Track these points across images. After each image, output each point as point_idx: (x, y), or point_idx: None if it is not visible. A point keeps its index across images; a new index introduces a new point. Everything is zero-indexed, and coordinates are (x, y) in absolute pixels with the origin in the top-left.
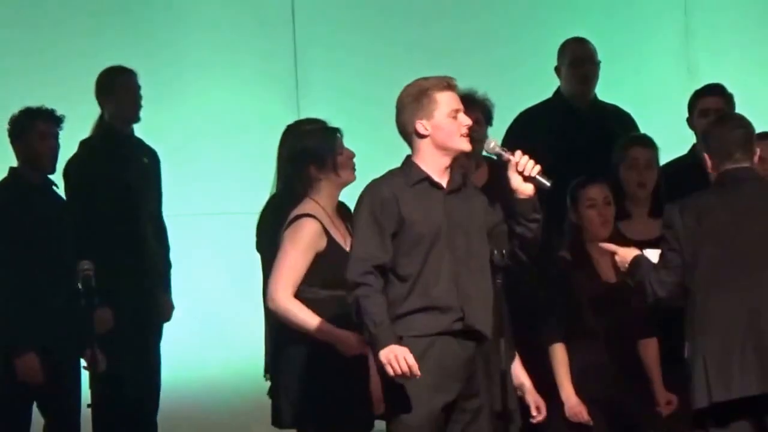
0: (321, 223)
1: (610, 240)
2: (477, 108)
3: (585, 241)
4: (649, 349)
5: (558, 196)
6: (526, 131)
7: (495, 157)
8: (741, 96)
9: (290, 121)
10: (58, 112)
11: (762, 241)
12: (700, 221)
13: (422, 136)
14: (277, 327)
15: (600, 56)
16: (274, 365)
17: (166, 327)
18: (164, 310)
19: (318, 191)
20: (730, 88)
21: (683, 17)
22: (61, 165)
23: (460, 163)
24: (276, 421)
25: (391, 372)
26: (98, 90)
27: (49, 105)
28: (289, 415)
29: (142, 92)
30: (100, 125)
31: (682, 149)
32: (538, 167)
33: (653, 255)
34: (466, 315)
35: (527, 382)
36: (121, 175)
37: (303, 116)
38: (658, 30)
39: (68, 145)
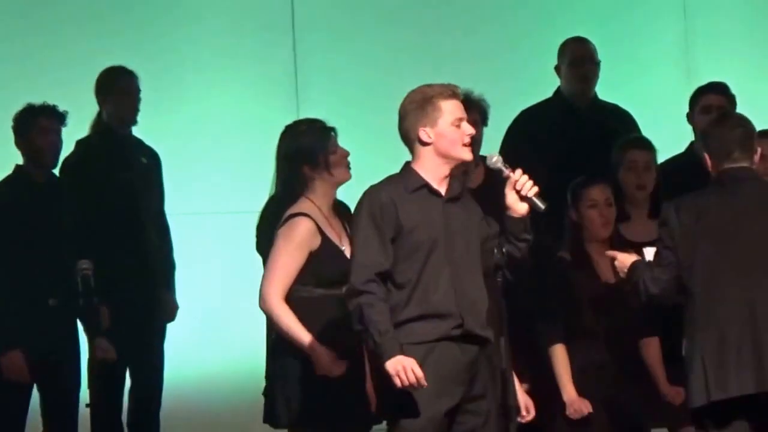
0: (315, 222)
1: (610, 241)
2: (474, 109)
3: (585, 241)
4: (651, 348)
5: (558, 196)
6: (526, 130)
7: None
8: (741, 97)
9: (289, 121)
10: (61, 109)
11: (759, 241)
12: (698, 220)
13: (425, 144)
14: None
15: (600, 57)
16: (269, 365)
17: (170, 325)
18: (168, 309)
19: (313, 190)
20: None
21: (683, 19)
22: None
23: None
24: (270, 419)
25: (398, 383)
26: (98, 89)
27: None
28: (284, 415)
29: (144, 95)
30: (98, 124)
31: (680, 149)
32: (535, 188)
33: (651, 253)
34: (465, 321)
35: (516, 382)
36: (118, 174)
37: (302, 114)
38: (657, 32)
39: (69, 145)
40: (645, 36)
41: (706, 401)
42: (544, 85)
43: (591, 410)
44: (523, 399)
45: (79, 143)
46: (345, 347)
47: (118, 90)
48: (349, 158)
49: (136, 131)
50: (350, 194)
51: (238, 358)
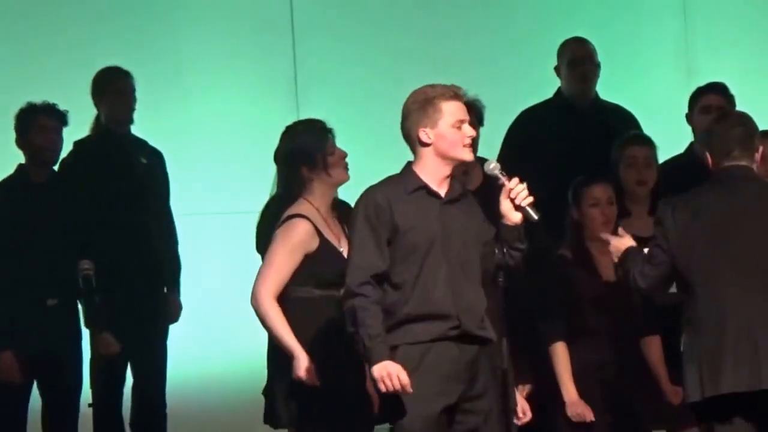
0: (313, 224)
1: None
2: (469, 111)
3: (586, 239)
4: (653, 347)
5: (558, 195)
6: (527, 131)
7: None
8: (740, 97)
9: (289, 121)
10: (60, 107)
11: (756, 240)
12: (694, 219)
13: (425, 144)
14: None
15: (600, 58)
16: (270, 365)
17: (172, 326)
18: (171, 310)
19: (311, 191)
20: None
21: (683, 19)
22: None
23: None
24: (270, 419)
25: (383, 388)
26: (93, 90)
27: None
28: (284, 415)
29: (143, 95)
30: (97, 125)
31: (681, 149)
32: (530, 198)
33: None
34: (462, 322)
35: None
36: (114, 174)
37: (302, 115)
38: (657, 32)
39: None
40: (645, 36)
41: (699, 397)
42: (544, 86)
43: (593, 418)
44: (520, 402)
45: (77, 144)
46: (344, 347)
47: (112, 90)
48: (348, 159)
49: (138, 132)
50: (351, 195)
51: (239, 358)
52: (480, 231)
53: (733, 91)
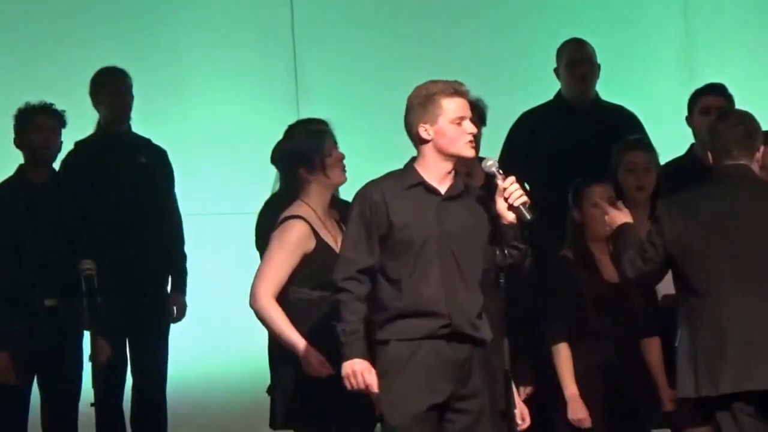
0: (310, 225)
1: (610, 240)
2: (472, 111)
3: (587, 240)
4: (652, 348)
5: (558, 196)
6: (527, 132)
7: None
8: (741, 98)
9: (290, 122)
10: (58, 107)
11: (754, 239)
12: (693, 217)
13: (425, 141)
14: None
15: (601, 58)
16: (271, 365)
17: (173, 325)
18: (176, 308)
19: (308, 193)
20: (730, 89)
21: (683, 19)
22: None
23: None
24: (272, 419)
25: (347, 386)
26: (90, 91)
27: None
28: (286, 415)
29: (145, 97)
30: (98, 126)
31: (682, 150)
32: (523, 198)
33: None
34: (453, 321)
35: (514, 389)
36: (113, 174)
37: (303, 117)
38: (658, 31)
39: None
40: (646, 38)
41: (693, 395)
42: (545, 82)
43: (590, 425)
44: (519, 407)
45: (78, 144)
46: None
47: (108, 90)
48: (348, 160)
49: (140, 132)
50: (351, 196)
51: (240, 358)
52: (481, 229)
53: (733, 92)
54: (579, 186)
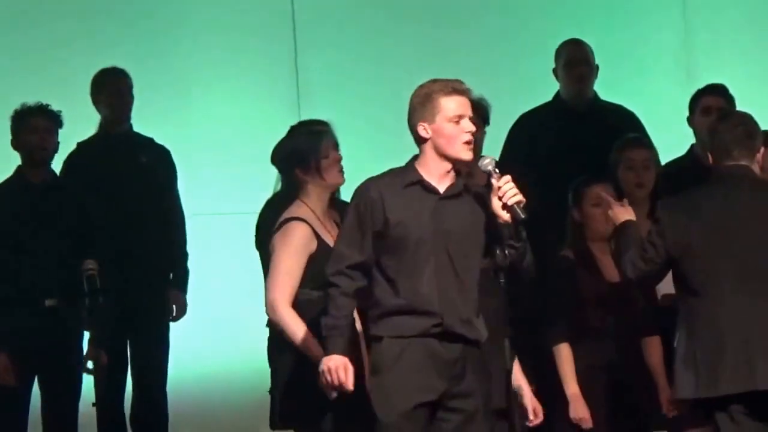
0: (310, 226)
1: (610, 240)
2: (474, 110)
3: (588, 239)
4: (653, 348)
5: (558, 196)
6: (527, 132)
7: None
8: (741, 98)
9: (291, 122)
10: (54, 108)
11: (753, 240)
12: (692, 218)
13: (424, 140)
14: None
15: (599, 58)
16: (271, 365)
17: (174, 325)
18: (175, 306)
19: (307, 193)
20: (729, 90)
21: (682, 18)
22: (58, 165)
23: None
24: (272, 419)
25: (324, 381)
26: (91, 92)
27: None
28: (282, 415)
29: (146, 99)
30: (99, 126)
31: (682, 150)
32: (518, 197)
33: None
34: (445, 320)
35: (525, 385)
36: (114, 174)
37: (304, 118)
38: (657, 31)
39: (70, 146)
40: (645, 38)
41: (692, 396)
42: (545, 81)
43: (591, 425)
44: (532, 403)
45: (79, 144)
46: None
47: (107, 90)
48: (349, 160)
49: (143, 132)
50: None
51: (241, 357)
52: (479, 228)
53: (733, 92)
54: (579, 186)
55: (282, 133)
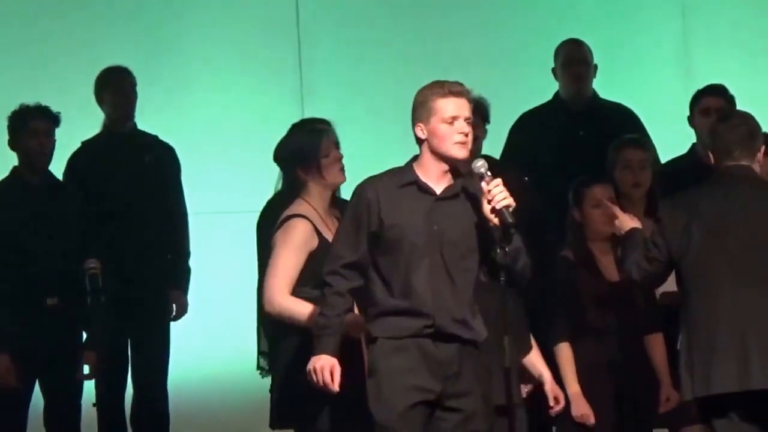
0: (312, 223)
1: (610, 239)
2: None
3: (588, 240)
4: (656, 345)
5: (558, 196)
6: (527, 132)
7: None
8: (739, 96)
9: (295, 119)
10: (54, 110)
11: (751, 240)
12: (693, 217)
13: (421, 141)
14: (274, 327)
15: (598, 57)
16: (270, 364)
17: (175, 324)
18: (175, 306)
19: (308, 192)
20: (728, 88)
21: (681, 18)
22: (61, 164)
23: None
24: (272, 418)
25: (312, 380)
26: (95, 90)
27: (55, 107)
28: (281, 414)
29: (149, 95)
30: (102, 125)
31: (681, 149)
32: (506, 201)
33: None
34: (437, 321)
35: (546, 373)
36: (115, 173)
37: (307, 115)
38: (656, 30)
39: (73, 145)
40: (644, 36)
41: (690, 396)
42: (545, 80)
43: (593, 421)
44: (552, 389)
45: (84, 143)
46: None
47: (112, 89)
48: (352, 157)
49: (146, 129)
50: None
51: (243, 357)
52: (475, 229)
53: (732, 91)
54: (579, 186)
55: (285, 128)
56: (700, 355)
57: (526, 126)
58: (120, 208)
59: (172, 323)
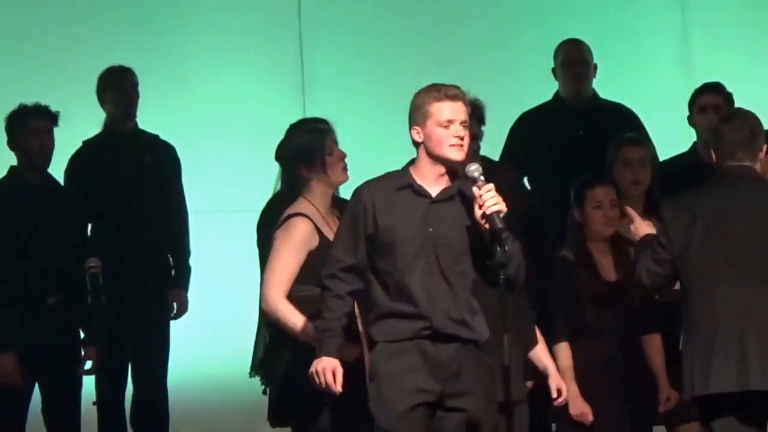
0: (313, 222)
1: (610, 239)
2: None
3: (587, 240)
4: (653, 345)
5: (559, 195)
6: (527, 132)
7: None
8: (739, 93)
9: (296, 116)
10: (53, 109)
11: (752, 240)
12: (694, 217)
13: (417, 144)
14: (272, 326)
15: (598, 56)
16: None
17: (176, 324)
18: (175, 304)
19: (310, 191)
20: (728, 87)
21: (681, 16)
22: (61, 164)
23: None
24: (271, 418)
25: (314, 382)
26: (96, 90)
27: (55, 106)
28: (285, 413)
29: (150, 93)
30: (104, 125)
31: (680, 147)
32: (497, 207)
33: None
34: (434, 322)
35: (551, 365)
36: (116, 172)
37: (309, 114)
38: (655, 29)
39: (73, 144)
40: (643, 32)
41: (690, 395)
42: (545, 81)
43: (592, 419)
44: (556, 382)
45: (85, 143)
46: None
47: (114, 89)
48: (353, 156)
49: (145, 128)
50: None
51: (243, 357)
52: (470, 232)
53: (731, 87)
54: (581, 187)
55: (287, 126)
56: (699, 355)
57: (526, 126)
58: (120, 208)
59: (172, 322)
